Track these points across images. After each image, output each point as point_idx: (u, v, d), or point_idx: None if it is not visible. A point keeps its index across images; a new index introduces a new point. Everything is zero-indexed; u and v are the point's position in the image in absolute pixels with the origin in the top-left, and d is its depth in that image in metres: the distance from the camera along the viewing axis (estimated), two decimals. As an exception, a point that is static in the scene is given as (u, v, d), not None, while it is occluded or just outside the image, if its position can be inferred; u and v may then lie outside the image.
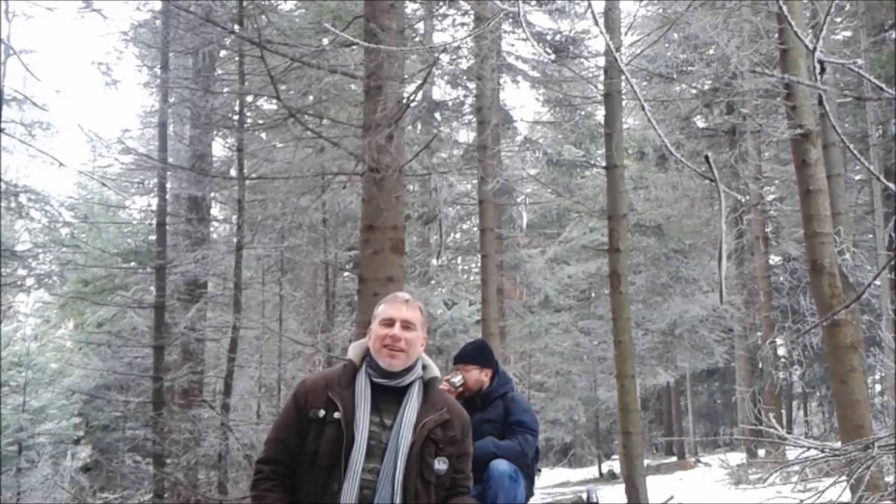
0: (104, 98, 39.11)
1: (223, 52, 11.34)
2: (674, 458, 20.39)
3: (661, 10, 14.00)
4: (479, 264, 13.36)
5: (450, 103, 13.43)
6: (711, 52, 11.39)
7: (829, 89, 11.71)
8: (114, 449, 14.85)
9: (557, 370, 20.78)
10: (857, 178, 16.36)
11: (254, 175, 10.45)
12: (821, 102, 5.98)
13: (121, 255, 12.80)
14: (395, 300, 2.50)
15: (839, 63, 1.72)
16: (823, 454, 4.68)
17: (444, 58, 9.26)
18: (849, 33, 16.77)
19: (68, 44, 39.81)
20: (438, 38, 12.94)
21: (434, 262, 15.86)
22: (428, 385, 2.46)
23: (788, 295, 14.22)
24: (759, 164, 15.07)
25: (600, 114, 12.83)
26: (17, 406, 13.23)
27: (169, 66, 10.63)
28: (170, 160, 10.98)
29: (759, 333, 16.40)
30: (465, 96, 13.18)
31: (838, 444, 6.06)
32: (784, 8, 1.71)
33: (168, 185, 10.85)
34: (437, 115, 13.31)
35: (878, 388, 16.24)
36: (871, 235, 15.35)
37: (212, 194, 11.86)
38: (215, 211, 14.41)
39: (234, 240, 10.26)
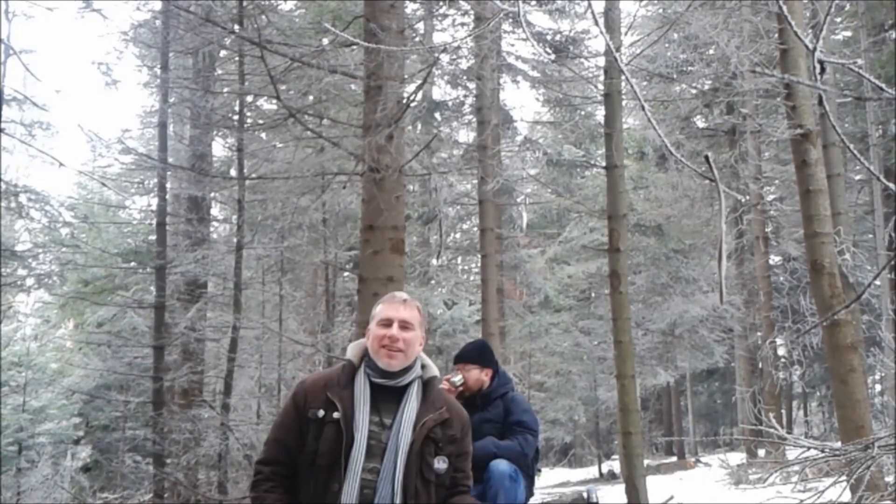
0: (104, 98, 39.16)
1: (223, 52, 11.34)
2: (674, 458, 20.39)
3: (661, 10, 14.00)
4: (479, 264, 13.36)
5: (450, 103, 13.43)
6: (711, 52, 11.39)
7: (829, 89, 11.71)
8: (114, 449, 14.85)
9: (557, 370, 20.77)
10: (857, 178, 16.36)
11: (254, 175, 10.45)
12: (821, 102, 5.98)
13: (121, 255, 12.80)
14: (393, 300, 2.50)
15: (839, 63, 1.72)
16: (823, 454, 4.68)
17: (444, 58, 9.27)
18: (849, 33, 16.77)
19: (68, 44, 39.85)
20: (438, 38, 12.95)
21: (434, 262, 15.86)
22: (427, 384, 2.46)
23: (788, 295, 14.22)
24: (759, 164, 15.08)
25: (600, 114, 12.83)
26: (17, 406, 13.23)
27: (169, 66, 10.63)
28: (170, 160, 10.98)
29: (759, 333, 16.40)
30: (465, 96, 13.18)
31: (838, 444, 6.06)
32: (784, 8, 1.71)
33: (168, 185, 10.85)
34: (437, 115, 13.31)
35: (878, 388, 16.24)
36: (871, 235, 15.35)
37: (212, 194, 11.86)
38: (215, 211, 14.42)
39: (234, 240, 10.26)
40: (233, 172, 11.62)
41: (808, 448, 4.74)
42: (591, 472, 20.82)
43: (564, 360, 20.14)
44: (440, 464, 2.37)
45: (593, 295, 21.47)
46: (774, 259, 17.60)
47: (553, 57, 11.51)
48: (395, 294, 2.56)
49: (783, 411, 19.99)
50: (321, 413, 2.33)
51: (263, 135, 10.95)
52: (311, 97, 9.85)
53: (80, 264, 12.47)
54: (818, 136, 7.80)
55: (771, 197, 17.69)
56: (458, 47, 8.97)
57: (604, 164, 9.61)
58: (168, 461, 9.67)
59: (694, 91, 12.48)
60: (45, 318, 19.20)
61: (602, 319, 17.90)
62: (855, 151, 1.96)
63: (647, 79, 11.78)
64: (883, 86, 1.75)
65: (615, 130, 9.14)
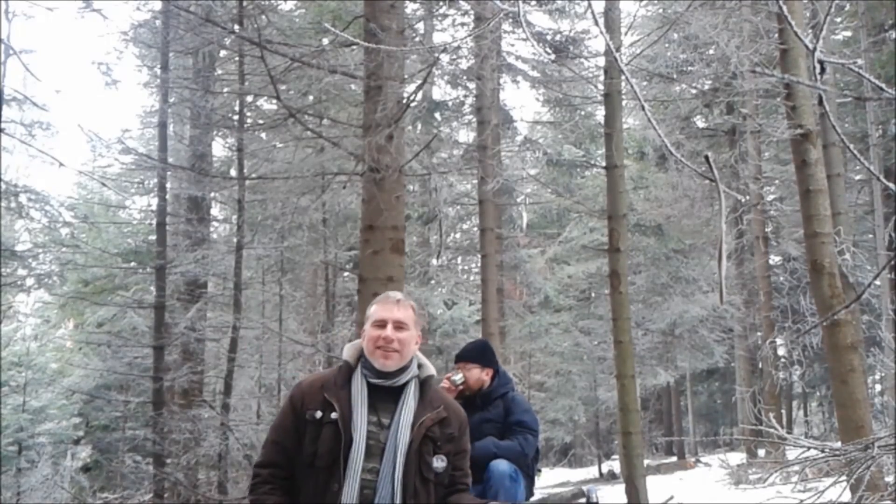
0: (104, 98, 39.12)
1: (223, 52, 11.34)
2: (674, 458, 20.39)
3: (661, 10, 13.99)
4: (479, 264, 13.36)
5: (450, 103, 13.43)
6: (711, 52, 11.39)
7: (829, 89, 11.71)
8: (114, 449, 14.86)
9: (557, 370, 20.77)
10: (857, 178, 16.36)
11: (254, 175, 10.44)
12: (821, 102, 5.98)
13: (121, 255, 12.81)
14: (387, 301, 2.49)
15: (839, 63, 1.72)
16: (823, 454, 4.68)
17: (444, 58, 9.26)
18: (849, 33, 16.76)
19: (68, 44, 39.85)
20: (438, 38, 12.95)
21: (434, 262, 15.86)
22: (424, 384, 2.46)
23: (788, 295, 14.23)
24: (759, 164, 15.08)
25: (600, 114, 12.83)
26: (17, 406, 13.23)
27: (169, 66, 10.63)
28: (170, 160, 10.98)
29: (759, 333, 16.40)
30: (465, 96, 13.18)
31: (838, 444, 6.06)
32: (784, 8, 1.71)
33: (168, 185, 10.85)
34: (437, 115, 13.31)
35: (878, 388, 16.24)
36: (871, 235, 15.36)
37: (212, 194, 11.86)
38: (215, 211, 14.42)
39: (234, 240, 10.26)
40: (233, 172, 11.62)
41: (808, 448, 4.74)
42: (591, 472, 20.81)
43: (564, 360, 20.14)
44: (439, 462, 2.37)
45: (593, 295, 21.47)
46: (774, 259, 17.60)
47: (553, 57, 11.51)
48: (389, 294, 2.56)
49: (783, 411, 19.98)
50: (319, 414, 2.33)
51: (263, 135, 10.95)
52: (311, 97, 9.85)
53: (80, 264, 12.47)
54: (818, 136, 7.80)
55: (771, 197, 17.69)
56: (458, 47, 8.98)
57: (604, 164, 9.62)
58: (168, 461, 9.67)
59: (694, 91, 12.48)
60: (45, 318, 19.21)
61: (602, 319, 17.89)
62: (855, 151, 1.96)
63: (647, 79, 11.77)
64: (883, 86, 1.75)
65: (615, 130, 9.14)
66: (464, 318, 16.73)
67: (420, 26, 11.62)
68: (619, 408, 8.99)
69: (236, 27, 8.21)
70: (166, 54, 10.37)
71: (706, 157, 1.70)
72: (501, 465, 3.46)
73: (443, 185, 11.12)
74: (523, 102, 49.08)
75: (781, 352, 17.82)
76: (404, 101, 6.34)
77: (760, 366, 16.44)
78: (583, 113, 15.93)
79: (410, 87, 7.10)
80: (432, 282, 16.20)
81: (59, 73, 32.02)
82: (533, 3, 12.00)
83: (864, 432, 6.60)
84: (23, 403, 13.36)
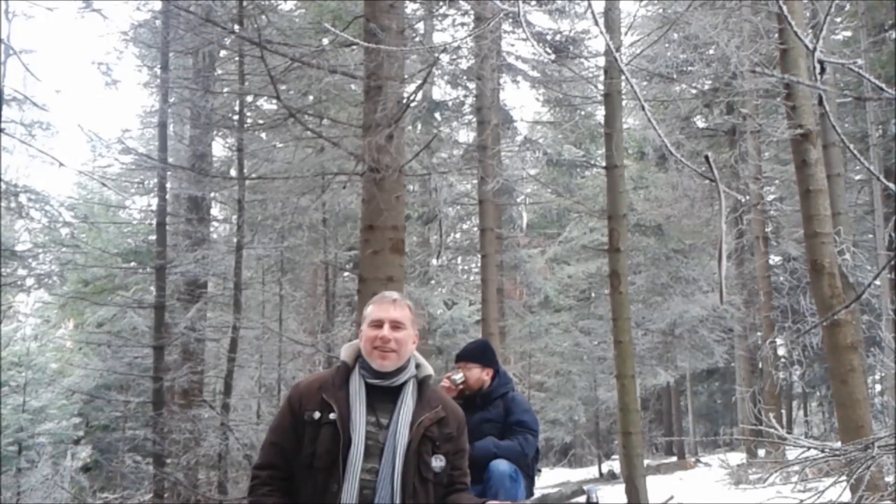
0: (104, 98, 39.10)
1: (223, 52, 11.34)
2: (674, 458, 20.38)
3: (661, 10, 14.00)
4: (479, 264, 13.36)
5: (450, 103, 13.43)
6: (711, 52, 11.39)
7: (829, 89, 11.71)
8: (114, 449, 14.86)
9: (557, 370, 20.77)
10: (857, 178, 16.36)
11: (254, 175, 10.44)
12: (821, 102, 5.98)
13: (121, 255, 12.82)
14: (383, 300, 2.49)
15: (839, 63, 1.72)
16: (823, 454, 4.67)
17: (444, 58, 9.26)
18: (849, 33, 16.77)
19: (68, 44, 39.86)
20: (438, 38, 12.95)
21: (434, 262, 15.85)
22: (422, 383, 2.46)
23: (788, 295, 14.23)
24: (759, 164, 15.08)
25: (600, 114, 12.83)
26: (17, 406, 13.23)
27: (169, 66, 10.63)
28: (170, 160, 10.98)
29: (759, 333, 16.40)
30: (465, 96, 13.18)
31: (838, 444, 6.06)
32: (784, 8, 1.71)
33: (168, 185, 10.84)
34: (437, 115, 13.31)
35: (878, 388, 16.24)
36: (871, 235, 15.36)
37: (212, 194, 11.86)
38: (215, 211, 14.42)
39: (234, 240, 10.25)
40: (233, 172, 11.62)
41: (808, 448, 4.74)
42: (591, 472, 20.81)
43: (564, 360, 20.14)
44: (438, 462, 2.37)
45: (593, 295, 21.48)
46: (774, 259, 17.60)
47: (553, 57, 11.51)
48: (385, 294, 2.56)
49: (783, 411, 19.98)
50: (317, 415, 2.33)
51: (263, 135, 10.95)
52: (311, 97, 9.85)
53: (80, 264, 12.47)
54: (818, 136, 7.80)
55: (771, 197, 17.69)
56: (458, 47, 8.98)
57: (604, 164, 9.61)
58: (168, 461, 9.67)
59: (694, 91, 12.48)
60: (45, 318, 19.21)
61: (602, 319, 17.90)
62: (855, 151, 1.96)
63: (647, 79, 11.77)
64: (883, 86, 1.75)
65: (615, 130, 9.14)
66: (464, 318, 16.74)
67: (420, 26, 11.62)
68: (619, 408, 8.99)
69: (236, 27, 8.21)
70: (166, 54, 10.37)
71: (706, 157, 1.70)
72: (501, 465, 3.46)
73: (443, 185, 11.13)
74: (523, 102, 49.18)
75: (781, 352, 17.82)
76: (404, 101, 6.34)
77: (760, 366, 16.44)
78: (583, 113, 15.93)
79: (410, 87, 7.11)
80: (432, 282, 16.20)
81: (59, 73, 32.05)
82: (533, 3, 12.00)
83: (864, 432, 6.60)
84: (23, 403, 13.37)
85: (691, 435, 23.15)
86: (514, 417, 3.70)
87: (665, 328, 17.19)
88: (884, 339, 8.13)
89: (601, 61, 10.12)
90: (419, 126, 12.92)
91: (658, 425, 25.94)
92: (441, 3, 11.59)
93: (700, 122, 17.57)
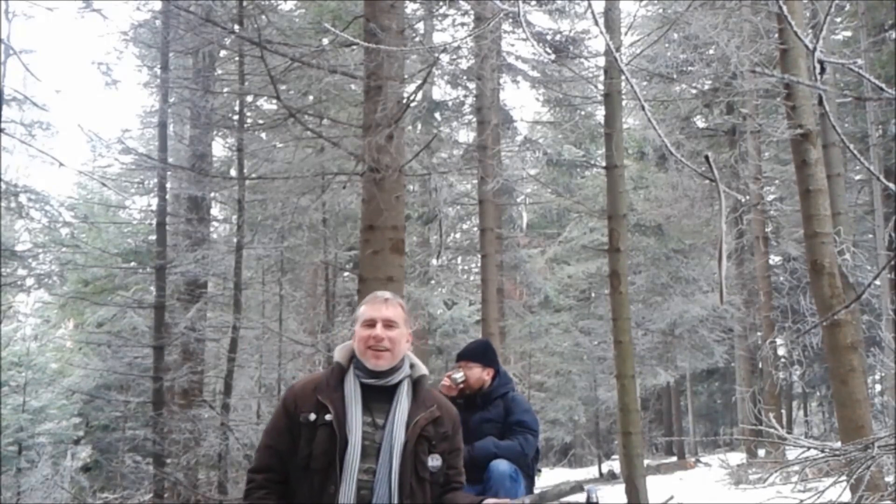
0: (104, 98, 39.16)
1: (223, 52, 11.34)
2: (674, 458, 20.38)
3: (661, 10, 14.00)
4: (479, 264, 13.36)
5: (450, 103, 13.43)
6: (711, 52, 11.39)
7: (829, 89, 11.71)
8: (114, 449, 14.85)
9: (557, 370, 20.77)
10: (857, 178, 16.37)
11: (254, 175, 10.44)
12: (821, 102, 5.98)
13: (121, 255, 12.81)
14: (375, 300, 2.49)
15: (839, 63, 1.72)
16: (823, 454, 4.67)
17: (444, 58, 9.26)
18: (849, 33, 16.77)
19: (68, 44, 39.86)
20: (438, 38, 12.95)
21: (434, 262, 15.85)
22: (417, 383, 2.46)
23: (788, 295, 14.23)
24: (759, 164, 15.08)
25: (600, 114, 12.83)
26: (17, 406, 13.23)
27: (169, 66, 10.63)
28: (170, 160, 10.98)
29: (759, 333, 16.40)
30: (465, 96, 13.18)
31: (838, 444, 6.06)
32: (784, 8, 1.71)
33: (168, 185, 10.84)
34: (437, 115, 13.31)
35: (878, 388, 16.23)
36: (871, 235, 15.36)
37: (212, 194, 11.86)
38: (215, 211, 14.42)
39: (234, 240, 10.25)
40: (233, 172, 11.62)
41: (808, 448, 4.74)
42: (591, 472, 20.80)
43: (564, 360, 20.14)
44: (434, 461, 2.37)
45: (593, 295, 21.48)
46: (774, 259, 17.60)
47: (553, 57, 11.51)
48: (377, 293, 2.55)
49: (783, 411, 19.98)
50: (312, 416, 2.32)
51: (263, 135, 10.95)
52: (311, 97, 9.85)
53: (80, 264, 12.47)
54: (818, 136, 7.80)
55: (771, 197, 17.69)
56: (458, 47, 8.98)
57: (604, 164, 9.61)
58: (168, 461, 9.67)
59: (694, 91, 12.48)
60: (45, 318, 19.21)
61: (602, 319, 17.90)
62: (855, 151, 1.96)
63: (647, 79, 11.77)
64: (883, 86, 1.75)
65: (615, 130, 9.13)
66: (464, 318, 16.74)
67: (420, 26, 11.62)
68: (619, 408, 8.98)
69: (236, 27, 8.21)
70: (166, 54, 10.37)
71: (706, 157, 1.70)
72: (502, 465, 3.47)
73: (443, 185, 11.13)
74: (523, 102, 49.20)
75: (781, 352, 17.82)
76: (404, 101, 6.34)
77: (760, 366, 16.44)
78: (583, 113, 15.93)
79: (410, 87, 7.11)
80: (432, 282, 16.20)
81: (59, 73, 32.06)
82: (533, 3, 12.00)
83: (864, 432, 6.61)
84: (23, 403, 13.36)
85: (691, 435, 23.15)
86: (514, 417, 3.71)
87: (665, 328, 17.18)
88: (884, 339, 8.13)
89: (601, 61, 10.12)
90: (419, 126, 12.92)
91: (658, 425, 25.94)
92: (441, 3, 11.59)
93: (700, 122, 17.57)
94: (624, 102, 9.94)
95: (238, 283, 9.86)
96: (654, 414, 26.35)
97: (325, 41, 8.14)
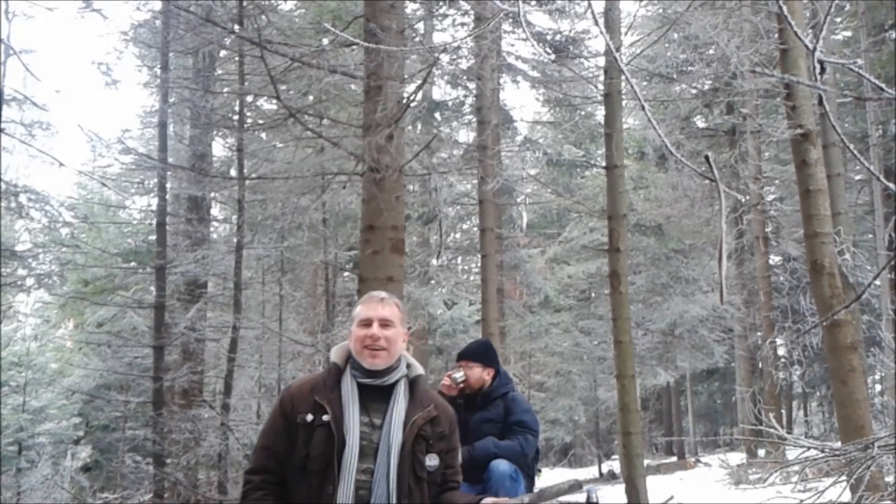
0: (104, 98, 39.14)
1: (223, 52, 11.34)
2: (674, 458, 20.38)
3: (661, 10, 14.00)
4: (479, 264, 13.36)
5: (450, 103, 13.44)
6: (711, 52, 11.39)
7: (829, 89, 11.71)
8: (114, 449, 14.85)
9: (557, 370, 20.78)
10: (857, 178, 16.37)
11: (254, 175, 10.44)
12: (821, 102, 5.98)
13: (121, 255, 12.81)
14: (371, 300, 2.50)
15: (839, 63, 1.72)
16: (823, 454, 4.67)
17: (444, 58, 9.26)
18: (849, 33, 16.77)
19: (68, 44, 39.86)
20: (438, 38, 12.95)
21: (434, 262, 15.85)
22: (413, 383, 2.46)
23: (788, 295, 14.23)
24: (759, 164, 15.08)
25: (600, 114, 12.83)
26: (17, 406, 13.23)
27: (169, 66, 10.63)
28: (170, 160, 10.98)
29: (759, 333, 16.40)
30: (465, 96, 13.19)
31: (838, 444, 6.06)
32: (784, 8, 1.71)
33: (168, 185, 10.84)
34: (437, 115, 13.32)
35: (878, 388, 16.23)
36: (871, 235, 15.36)
37: (212, 194, 11.86)
38: (215, 211, 14.42)
39: (234, 240, 10.25)
40: (233, 172, 11.62)
41: (808, 448, 4.74)
42: (591, 472, 20.80)
43: (564, 360, 20.14)
44: (432, 461, 2.38)
45: (593, 295, 21.48)
46: (774, 259, 17.60)
47: (553, 57, 11.51)
48: (373, 293, 2.56)
49: (783, 411, 19.98)
50: (310, 417, 2.32)
51: (263, 135, 10.95)
52: (311, 97, 9.85)
53: (80, 264, 12.47)
54: (818, 136, 7.80)
55: (771, 197, 17.70)
56: (458, 47, 8.97)
57: (604, 164, 9.61)
58: (168, 461, 9.67)
59: (694, 91, 12.48)
60: (45, 318, 19.21)
61: (602, 319, 17.90)
62: (855, 151, 1.96)
63: (647, 79, 11.77)
64: (883, 86, 1.75)
65: (615, 130, 9.13)
66: (464, 318, 16.74)
67: (420, 26, 11.62)
68: (619, 408, 8.98)
69: (236, 27, 8.21)
70: (166, 54, 10.37)
71: (706, 157, 1.70)
72: (502, 465, 3.47)
73: (443, 185, 11.13)
74: (523, 102, 49.21)
75: (781, 352, 17.82)
76: (404, 101, 6.34)
77: (760, 366, 16.44)
78: (583, 113, 15.93)
79: (410, 87, 7.11)
80: (432, 282, 16.20)
81: (59, 73, 32.05)
82: (533, 3, 12.00)
83: (864, 432, 6.61)
84: (23, 403, 13.36)
85: (691, 435, 23.15)
86: (514, 417, 3.71)
87: (665, 328, 17.19)
88: (884, 339, 8.13)
89: (601, 61, 10.12)
90: (419, 126, 12.92)
91: (658, 425, 25.94)
92: (441, 3, 11.59)
93: (700, 122, 17.57)
94: (624, 102, 9.95)
95: (238, 283, 9.86)
96: (654, 414, 26.35)
97: (325, 41, 8.14)
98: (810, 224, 7.46)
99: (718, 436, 26.62)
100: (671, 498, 10.06)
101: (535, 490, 3.23)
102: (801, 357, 12.25)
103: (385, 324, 2.41)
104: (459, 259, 21.09)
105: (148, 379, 10.51)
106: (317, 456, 2.28)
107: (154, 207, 11.87)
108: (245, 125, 10.32)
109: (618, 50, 8.41)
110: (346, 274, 13.37)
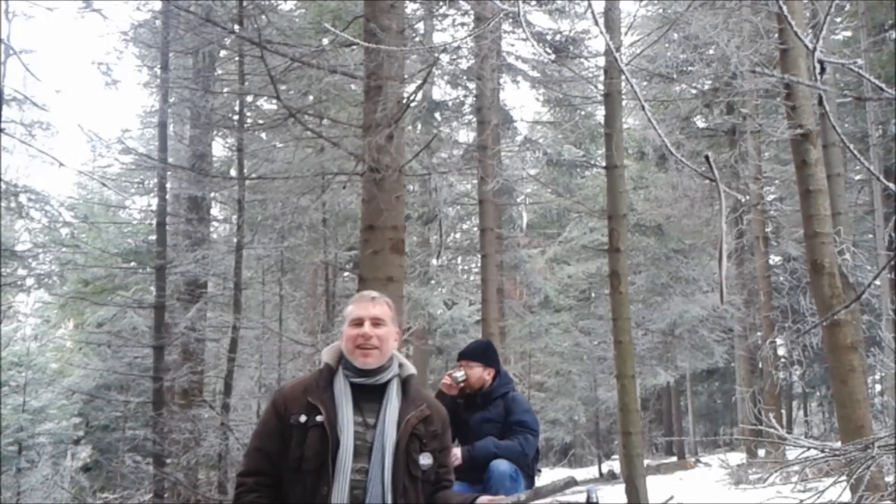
0: (104, 98, 39.11)
1: (223, 52, 11.34)
2: (674, 458, 20.38)
3: (661, 10, 14.01)
4: (479, 264, 13.36)
5: (450, 103, 13.43)
6: (711, 52, 11.39)
7: (829, 89, 11.71)
8: (114, 449, 14.85)
9: (557, 370, 20.78)
10: (857, 178, 16.37)
11: (254, 175, 10.44)
12: (821, 102, 5.98)
13: (121, 255, 12.82)
14: (362, 299, 2.50)
15: (839, 63, 1.72)
16: (823, 454, 4.67)
17: (444, 58, 9.26)
18: (849, 33, 16.77)
19: (68, 44, 39.87)
20: (438, 38, 12.95)
21: (434, 262, 15.85)
22: (406, 382, 2.46)
23: (788, 295, 14.23)
24: (759, 164, 15.08)
25: (600, 114, 12.83)
26: (17, 406, 13.23)
27: (169, 66, 10.63)
28: (170, 160, 10.98)
29: (759, 333, 16.40)
30: (465, 96, 13.18)
31: (838, 444, 6.06)
32: (784, 8, 1.71)
33: (168, 185, 10.85)
34: (437, 115, 13.31)
35: (878, 388, 16.24)
36: (871, 235, 15.36)
37: (212, 194, 11.86)
38: (215, 211, 14.42)
39: (234, 240, 10.25)
40: (233, 172, 11.62)
41: (808, 448, 4.74)
42: (591, 472, 20.79)
43: (564, 360, 20.14)
44: (425, 460, 2.38)
45: (593, 295, 21.47)
46: (774, 259, 17.59)
47: (553, 57, 11.51)
48: (364, 293, 2.56)
49: (783, 411, 19.98)
50: (303, 418, 2.31)
51: (263, 135, 10.95)
52: (311, 97, 9.85)
53: (80, 264, 12.47)
54: (818, 136, 7.80)
55: (771, 197, 17.69)
56: (458, 47, 8.97)
57: (604, 164, 9.61)
58: (168, 461, 9.66)
59: (694, 91, 12.47)
60: (45, 318, 19.21)
61: (602, 319, 17.89)
62: (855, 151, 1.96)
63: (647, 79, 11.77)
64: (883, 86, 1.75)
65: (615, 130, 9.13)
66: (464, 318, 16.74)
67: (420, 26, 11.62)
68: (619, 408, 8.98)
69: (236, 27, 8.21)
70: (166, 54, 10.37)
71: (706, 157, 1.70)
72: (502, 465, 3.47)
73: (443, 185, 11.13)
74: (523, 102, 49.18)
75: (781, 352, 17.82)
76: (404, 101, 6.34)
77: (760, 366, 16.44)
78: (583, 113, 15.93)
79: (410, 87, 7.11)
80: (432, 282, 16.20)
81: (59, 73, 32.04)
82: (533, 3, 12.00)
83: (864, 432, 6.61)
84: (23, 403, 13.36)
85: (691, 435, 23.15)
86: (514, 417, 3.71)
87: (665, 328, 17.18)
88: (884, 339, 8.13)
89: (601, 61, 10.12)
90: (419, 126, 12.92)
91: (658, 425, 25.94)
92: (441, 3, 11.59)
93: (700, 122, 17.57)
94: (624, 102, 9.94)
95: (238, 283, 9.86)
96: (654, 414, 26.35)
97: (325, 41, 8.14)
98: (810, 224, 7.46)
99: (718, 436, 26.62)
100: (671, 498, 10.04)
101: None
102: (801, 357, 12.26)
103: (376, 323, 2.42)
104: (459, 259, 21.09)
105: (148, 379, 10.51)
106: (311, 456, 2.27)
107: (154, 207, 11.88)
108: (245, 125, 10.32)
109: (618, 50, 8.41)
110: (346, 274, 13.37)
